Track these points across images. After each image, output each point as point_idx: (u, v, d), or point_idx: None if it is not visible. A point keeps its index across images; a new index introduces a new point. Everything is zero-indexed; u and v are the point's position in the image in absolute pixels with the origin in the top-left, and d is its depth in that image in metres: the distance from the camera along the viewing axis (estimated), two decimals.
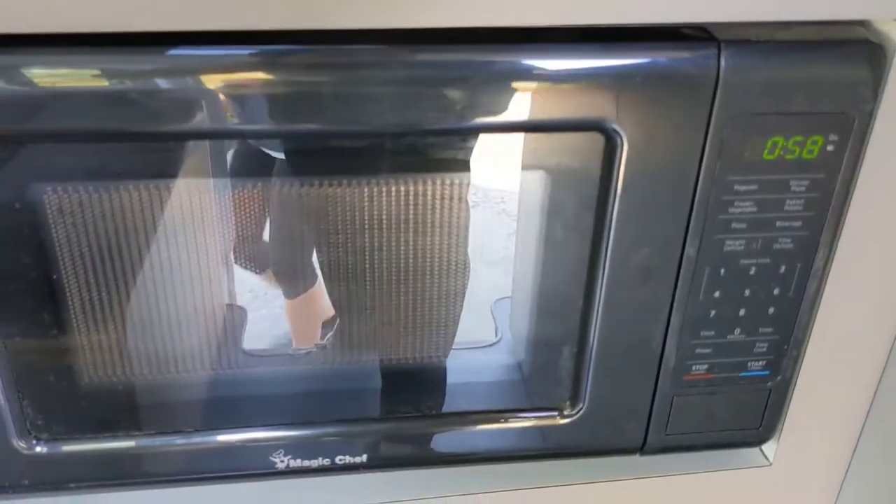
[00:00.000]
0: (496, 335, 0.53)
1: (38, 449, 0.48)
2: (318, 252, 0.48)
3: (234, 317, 0.50)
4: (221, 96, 0.40)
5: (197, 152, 0.43)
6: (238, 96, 0.40)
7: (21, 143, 0.40)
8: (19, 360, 0.46)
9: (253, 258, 0.48)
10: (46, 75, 0.39)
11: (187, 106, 0.40)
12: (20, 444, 0.48)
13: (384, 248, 0.47)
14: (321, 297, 0.49)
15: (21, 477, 0.49)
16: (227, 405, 0.51)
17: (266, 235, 0.48)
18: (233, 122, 0.41)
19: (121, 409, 0.49)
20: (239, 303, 0.50)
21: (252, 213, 0.46)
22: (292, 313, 0.51)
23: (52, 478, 0.49)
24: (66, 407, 0.48)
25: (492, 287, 0.51)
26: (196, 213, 0.45)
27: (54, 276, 0.44)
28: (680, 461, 0.57)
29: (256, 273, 0.49)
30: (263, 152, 0.45)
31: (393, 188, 0.45)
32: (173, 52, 0.39)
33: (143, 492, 0.52)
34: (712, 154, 0.44)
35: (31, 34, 0.37)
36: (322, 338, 0.51)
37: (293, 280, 0.50)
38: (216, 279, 0.48)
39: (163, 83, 0.39)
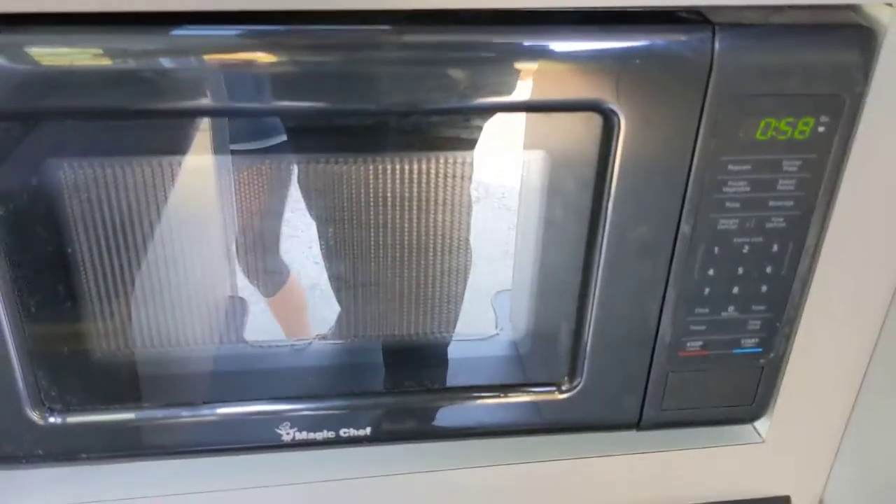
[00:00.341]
0: (496, 327, 0.54)
1: (51, 420, 0.49)
2: (322, 230, 0.49)
3: (240, 299, 0.51)
4: (228, 75, 0.41)
5: (202, 131, 0.44)
6: (244, 75, 0.41)
7: (37, 121, 0.42)
8: (34, 333, 0.47)
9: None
10: (57, 54, 0.40)
11: (194, 85, 0.41)
12: (34, 415, 0.49)
13: (388, 226, 0.48)
14: (299, 286, 0.51)
15: (35, 447, 0.50)
16: (235, 379, 0.52)
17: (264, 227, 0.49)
18: (239, 100, 0.42)
19: (132, 381, 0.51)
20: (240, 295, 0.51)
21: (253, 188, 0.47)
22: (278, 309, 0.52)
23: (64, 448, 0.50)
24: (78, 379, 0.49)
25: (492, 280, 0.52)
26: (202, 190, 0.46)
27: (69, 251, 0.45)
28: (674, 438, 0.58)
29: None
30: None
31: (398, 167, 0.46)
32: (181, 31, 0.40)
33: (153, 463, 0.54)
34: (707, 134, 0.45)
35: (40, 13, 0.38)
36: (317, 325, 0.52)
37: (271, 276, 0.51)
38: (223, 256, 0.49)
39: (171, 62, 0.40)
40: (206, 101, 0.41)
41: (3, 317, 0.46)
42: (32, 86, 0.40)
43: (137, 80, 0.40)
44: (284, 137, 0.45)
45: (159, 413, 0.51)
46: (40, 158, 0.42)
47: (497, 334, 0.54)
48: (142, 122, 0.43)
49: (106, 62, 0.40)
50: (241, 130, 0.45)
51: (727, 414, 0.56)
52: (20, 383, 0.48)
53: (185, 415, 0.51)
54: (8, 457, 0.50)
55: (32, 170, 0.43)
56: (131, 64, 0.40)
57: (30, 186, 0.43)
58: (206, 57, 0.41)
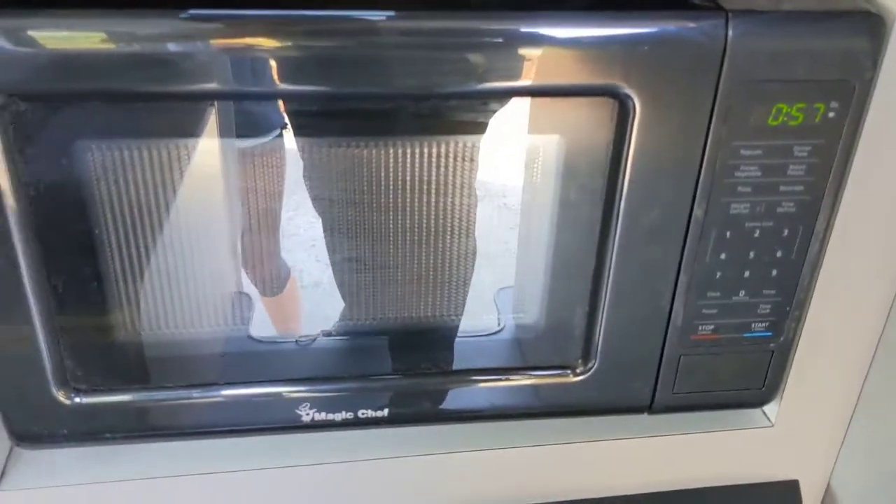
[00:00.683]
0: (498, 325, 0.55)
1: (77, 400, 0.50)
2: (337, 213, 0.49)
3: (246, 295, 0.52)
4: (247, 59, 0.42)
5: (220, 115, 0.45)
6: (262, 59, 0.42)
7: (60, 103, 0.42)
8: (61, 312, 0.48)
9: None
10: (74, 38, 0.40)
11: (211, 69, 0.41)
12: (60, 395, 0.50)
13: (403, 209, 0.49)
14: (299, 284, 0.52)
15: (60, 427, 0.51)
16: (257, 360, 0.53)
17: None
18: (257, 84, 0.42)
19: (156, 362, 0.51)
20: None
21: (267, 174, 0.48)
22: (280, 308, 0.53)
23: (89, 428, 0.51)
24: (104, 360, 0.50)
25: (494, 277, 0.53)
26: (222, 171, 0.47)
27: (96, 232, 0.46)
28: (684, 421, 0.59)
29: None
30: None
31: (414, 150, 0.47)
32: (198, 13, 0.41)
33: (176, 443, 0.55)
34: (719, 119, 0.46)
35: None
36: (321, 321, 0.53)
37: (279, 272, 0.52)
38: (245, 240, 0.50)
39: (191, 46, 0.41)
40: (225, 85, 0.42)
41: (30, 297, 0.46)
42: (52, 68, 0.40)
43: (159, 63, 0.41)
44: (278, 132, 0.46)
45: (183, 394, 0.51)
46: (69, 140, 0.43)
47: (499, 331, 0.55)
48: (166, 105, 0.44)
49: (123, 46, 0.40)
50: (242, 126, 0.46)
51: (737, 398, 0.57)
52: (46, 364, 0.49)
53: (208, 396, 0.52)
54: (34, 436, 0.51)
55: (62, 151, 0.43)
56: (154, 47, 0.41)
57: (59, 167, 0.44)
58: (227, 41, 0.41)
